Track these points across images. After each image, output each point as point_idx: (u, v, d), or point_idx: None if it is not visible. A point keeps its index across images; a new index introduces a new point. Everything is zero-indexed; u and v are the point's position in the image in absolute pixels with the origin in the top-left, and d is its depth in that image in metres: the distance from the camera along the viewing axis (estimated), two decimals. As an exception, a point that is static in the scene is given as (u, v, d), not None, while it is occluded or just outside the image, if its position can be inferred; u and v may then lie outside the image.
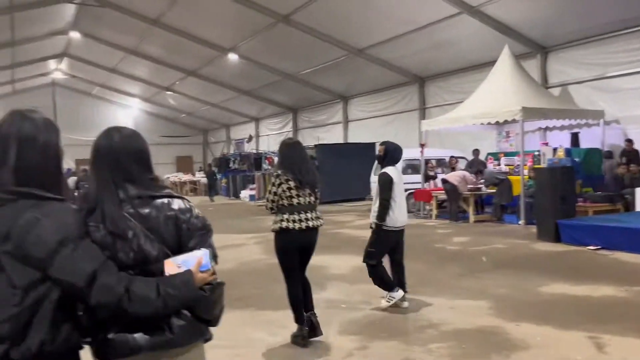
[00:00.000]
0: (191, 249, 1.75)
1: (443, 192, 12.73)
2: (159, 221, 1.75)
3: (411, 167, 15.01)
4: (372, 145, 19.37)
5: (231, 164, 26.00)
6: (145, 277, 1.67)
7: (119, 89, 29.93)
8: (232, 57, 19.45)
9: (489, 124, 13.01)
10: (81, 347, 1.70)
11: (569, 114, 11.78)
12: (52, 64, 26.56)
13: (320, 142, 20.97)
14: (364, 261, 5.45)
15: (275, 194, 4.33)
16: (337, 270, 7.20)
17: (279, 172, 4.40)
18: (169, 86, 26.46)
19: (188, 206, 1.83)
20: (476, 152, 13.83)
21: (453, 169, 13.88)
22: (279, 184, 4.31)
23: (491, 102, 11.79)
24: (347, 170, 18.49)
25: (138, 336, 1.68)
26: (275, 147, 26.69)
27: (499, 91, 11.87)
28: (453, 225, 11.73)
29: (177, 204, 1.81)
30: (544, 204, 9.04)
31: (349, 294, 5.98)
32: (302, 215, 4.32)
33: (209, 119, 33.24)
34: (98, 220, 1.69)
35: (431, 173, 14.13)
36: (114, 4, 17.07)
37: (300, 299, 4.48)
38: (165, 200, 1.80)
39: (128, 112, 33.89)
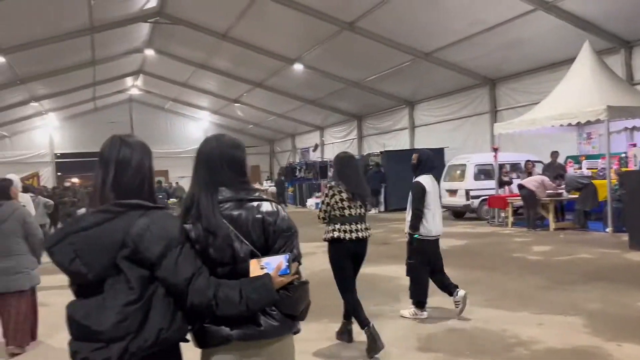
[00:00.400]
0: (277, 250, 1.88)
1: (519, 198, 12.10)
2: (248, 223, 1.89)
3: (483, 173, 14.43)
4: (441, 150, 18.87)
5: (297, 173, 26.25)
6: (234, 274, 1.83)
7: (190, 102, 31.08)
8: (297, 67, 19.63)
9: (569, 125, 12.26)
10: (186, 339, 1.86)
11: (661, 112, 10.82)
12: (129, 81, 28.03)
13: (386, 149, 20.70)
14: (407, 274, 5.39)
15: (328, 204, 4.52)
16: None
17: (333, 183, 4.61)
18: (237, 98, 27.15)
19: (275, 209, 1.95)
20: (555, 155, 13.03)
21: (529, 174, 13.13)
22: (332, 195, 4.50)
23: (571, 101, 11.07)
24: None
25: (229, 328, 1.84)
26: (340, 155, 26.62)
27: (580, 90, 11.12)
28: (531, 233, 11.08)
29: (265, 207, 1.94)
30: (636, 210, 8.30)
31: (425, 307, 5.69)
32: (353, 226, 4.46)
33: (275, 129, 33.78)
34: (195, 219, 1.89)
35: (506, 178, 13.48)
36: (185, 20, 17.74)
37: (359, 303, 4.50)
38: (255, 203, 1.94)
39: (199, 125, 35.12)
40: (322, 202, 4.57)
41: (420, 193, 5.07)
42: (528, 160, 13.37)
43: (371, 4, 13.83)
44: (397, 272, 7.43)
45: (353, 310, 4.49)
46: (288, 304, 1.89)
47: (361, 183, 4.66)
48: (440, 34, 14.91)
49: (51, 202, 11.42)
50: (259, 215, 1.90)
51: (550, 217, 11.32)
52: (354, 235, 4.44)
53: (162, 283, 1.75)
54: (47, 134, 31.58)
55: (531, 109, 14.59)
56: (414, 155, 5.48)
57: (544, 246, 9.13)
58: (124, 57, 21.78)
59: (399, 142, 22.84)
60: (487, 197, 13.85)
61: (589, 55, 11.65)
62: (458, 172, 14.93)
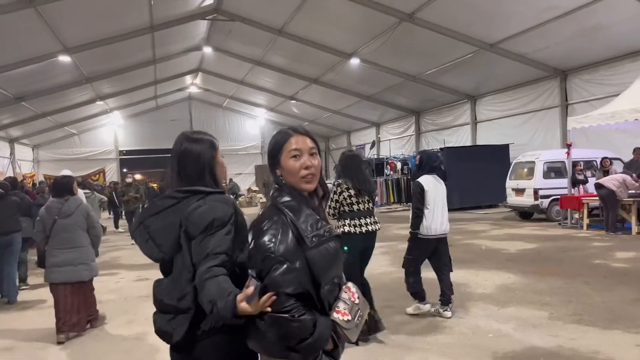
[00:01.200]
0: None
1: (595, 198, 11.11)
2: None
3: (554, 171, 13.42)
4: (506, 147, 17.89)
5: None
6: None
7: (247, 99, 31.31)
8: (354, 61, 19.17)
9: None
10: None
11: None
12: (188, 79, 28.54)
13: (447, 146, 19.85)
14: (402, 266, 5.47)
15: (337, 201, 4.70)
16: (480, 289, 6.34)
17: (340, 181, 4.77)
18: (293, 95, 27.02)
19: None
20: (638, 151, 11.88)
21: (606, 172, 12.07)
22: (340, 192, 4.70)
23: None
24: (477, 175, 17.19)
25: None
26: (396, 151, 25.99)
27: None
28: (611, 237, 10.11)
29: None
30: None
31: (498, 319, 5.11)
32: (362, 220, 4.69)
33: (331, 126, 33.48)
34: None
35: (580, 177, 12.47)
36: (242, 16, 17.69)
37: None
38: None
39: (255, 122, 35.41)
40: (332, 199, 4.67)
41: (420, 193, 5.18)
42: (605, 157, 12.28)
43: (433, -7, 13.17)
44: (465, 278, 6.88)
45: None
46: (255, 336, 1.71)
47: (366, 179, 4.83)
48: (507, 22, 13.99)
49: (105, 198, 11.65)
50: None
51: (633, 220, 10.29)
52: (363, 229, 4.64)
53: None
54: (112, 132, 32.76)
55: (608, 102, 13.48)
56: (418, 157, 5.68)
57: (628, 252, 8.23)
58: (183, 55, 22.09)
59: (460, 138, 21.91)
60: (558, 196, 12.87)
61: (679, 41, 10.50)
62: (525, 169, 13.99)
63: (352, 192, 4.68)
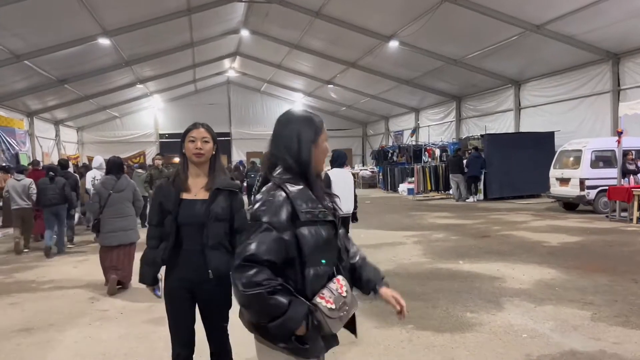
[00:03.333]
0: None
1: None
2: None
3: (603, 160, 12.66)
4: (551, 134, 17.09)
5: (389, 157, 25.32)
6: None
7: (284, 84, 31.13)
8: (393, 44, 18.61)
9: None
10: None
11: None
12: (226, 63, 28.57)
13: (488, 132, 19.12)
14: None
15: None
16: (516, 284, 5.93)
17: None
18: (330, 79, 26.64)
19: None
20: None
21: (660, 162, 11.30)
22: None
23: None
24: (520, 163, 16.51)
25: None
26: (436, 138, 25.30)
27: None
28: (665, 232, 9.43)
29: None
30: None
31: (534, 317, 4.72)
32: None
33: (368, 111, 32.95)
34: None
35: (631, 167, 11.71)
36: (279, -1, 17.45)
37: None
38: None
39: (292, 107, 35.20)
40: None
41: (327, 182, 6.17)
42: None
43: (476, -29, 12.51)
44: (501, 272, 6.50)
45: None
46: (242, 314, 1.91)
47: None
48: (556, 2, 13.18)
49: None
50: None
51: (690, 214, 9.55)
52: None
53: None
54: (153, 115, 33.30)
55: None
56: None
57: (683, 249, 7.61)
58: (220, 38, 22.04)
59: (502, 125, 21.06)
60: (606, 187, 12.12)
61: None
62: (572, 158, 13.25)
63: None
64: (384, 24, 17.65)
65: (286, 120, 2.02)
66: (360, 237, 9.89)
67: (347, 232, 5.69)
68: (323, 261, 1.80)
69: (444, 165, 19.35)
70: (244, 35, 22.31)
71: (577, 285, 5.73)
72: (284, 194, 1.79)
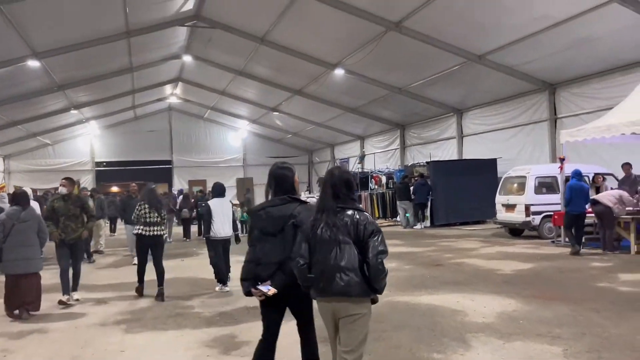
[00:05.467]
0: (368, 243, 3.01)
1: (591, 215, 10.61)
2: (348, 223, 3.08)
3: (545, 186, 12.93)
4: (494, 161, 17.46)
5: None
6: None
7: (229, 111, 30.56)
8: (339, 72, 18.62)
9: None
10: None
11: None
12: (168, 89, 27.72)
13: (433, 160, 19.34)
14: (210, 263, 8.07)
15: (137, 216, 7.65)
16: (479, 318, 5.65)
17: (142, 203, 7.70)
18: (276, 106, 26.38)
19: (364, 216, 3.11)
20: (627, 167, 11.46)
21: (598, 189, 11.65)
22: (139, 210, 7.63)
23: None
24: (465, 190, 16.69)
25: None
26: (381, 165, 25.45)
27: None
28: (610, 256, 9.58)
29: (358, 214, 3.12)
30: None
31: (505, 356, 4.38)
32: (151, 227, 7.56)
33: (314, 139, 32.89)
34: (321, 216, 3.16)
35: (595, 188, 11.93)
36: (223, 23, 17.04)
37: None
38: (351, 211, 3.12)
39: (237, 134, 34.63)
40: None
41: (207, 211, 7.75)
42: (597, 173, 11.87)
43: (421, 1, 12.68)
44: (460, 304, 6.22)
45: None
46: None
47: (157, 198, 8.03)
48: (497, 33, 13.58)
49: None
50: (355, 219, 3.08)
51: (632, 239, 9.78)
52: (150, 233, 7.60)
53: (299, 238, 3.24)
54: (88, 142, 31.71)
55: (598, 116, 13.10)
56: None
57: (632, 274, 7.68)
58: (162, 63, 21.34)
59: (446, 152, 21.44)
60: (549, 213, 12.37)
61: (675, 52, 10.14)
62: (516, 184, 13.48)
63: (147, 207, 7.58)
64: (330, 52, 17.64)
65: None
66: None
67: (227, 252, 8.00)
68: None
69: (391, 192, 19.33)
70: (186, 61, 21.72)
71: (540, 317, 5.53)
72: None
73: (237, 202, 25.33)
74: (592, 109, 14.52)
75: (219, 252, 7.84)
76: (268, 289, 3.18)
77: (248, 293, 3.31)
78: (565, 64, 14.32)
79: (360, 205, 3.30)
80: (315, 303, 3.23)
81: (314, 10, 14.34)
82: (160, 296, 7.34)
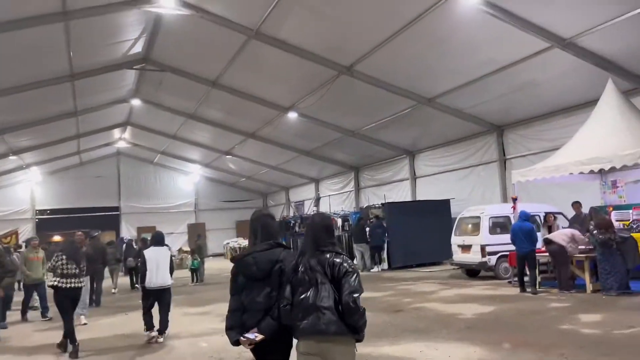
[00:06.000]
0: (342, 283, 3.15)
1: (545, 254, 10.68)
2: (325, 265, 3.23)
3: (499, 226, 13.01)
4: (447, 202, 17.60)
5: (292, 227, 24.76)
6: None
7: (180, 155, 29.90)
8: (292, 115, 18.57)
9: (590, 172, 11.07)
10: None
11: None
12: (116, 133, 26.87)
13: (387, 201, 19.33)
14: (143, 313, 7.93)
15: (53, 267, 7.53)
16: (446, 370, 5.35)
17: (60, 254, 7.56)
18: (229, 150, 26.01)
19: (341, 259, 3.24)
20: (577, 205, 11.72)
21: (550, 228, 11.81)
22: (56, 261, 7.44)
23: (600, 145, 9.88)
24: (420, 231, 16.66)
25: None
26: (336, 207, 25.31)
27: (610, 132, 9.98)
28: (567, 296, 9.57)
29: (336, 256, 3.26)
30: None
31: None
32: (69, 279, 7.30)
33: (268, 182, 32.55)
34: (304, 261, 3.33)
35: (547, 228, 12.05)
36: (173, 67, 16.76)
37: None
38: (329, 254, 3.28)
39: (189, 179, 33.85)
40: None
41: (143, 261, 7.72)
42: (549, 213, 12.06)
43: (372, 45, 12.87)
44: (425, 354, 5.90)
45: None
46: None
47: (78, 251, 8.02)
48: (446, 76, 13.92)
49: None
50: (331, 261, 3.24)
51: (587, 277, 9.84)
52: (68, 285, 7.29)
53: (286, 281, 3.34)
54: (29, 189, 30.07)
55: (544, 157, 13.49)
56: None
57: (592, 314, 7.61)
58: (109, 107, 20.65)
59: (400, 193, 21.56)
60: (504, 253, 12.41)
61: (614, 95, 10.60)
62: (470, 225, 13.53)
63: (64, 258, 7.40)
64: (283, 96, 17.61)
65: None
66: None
67: (168, 303, 7.86)
68: None
69: (347, 235, 19.09)
70: (135, 104, 21.15)
71: (507, 366, 5.28)
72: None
73: (188, 249, 24.42)
74: (537, 149, 14.98)
75: (151, 302, 7.80)
76: (255, 336, 3.25)
77: (236, 342, 3.34)
78: (511, 106, 14.79)
79: (339, 249, 3.39)
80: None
81: (266, 54, 14.32)
82: (74, 354, 6.96)
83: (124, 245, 18.17)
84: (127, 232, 31.02)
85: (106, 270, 15.60)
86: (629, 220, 10.89)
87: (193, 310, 10.79)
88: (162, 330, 7.80)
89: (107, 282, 16.04)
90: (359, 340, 3.14)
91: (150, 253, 7.73)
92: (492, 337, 6.55)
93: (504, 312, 8.29)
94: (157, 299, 7.74)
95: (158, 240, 8.02)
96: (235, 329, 3.33)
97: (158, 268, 7.59)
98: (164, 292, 7.72)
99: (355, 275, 3.14)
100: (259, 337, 3.23)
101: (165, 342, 7.72)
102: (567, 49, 11.02)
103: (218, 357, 6.51)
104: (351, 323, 3.05)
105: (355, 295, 3.04)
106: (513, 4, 10.11)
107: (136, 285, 15.02)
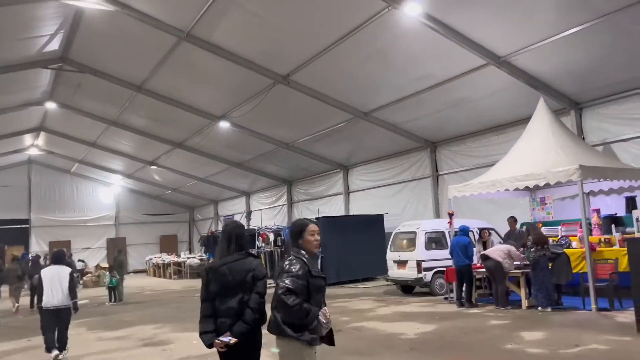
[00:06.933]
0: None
1: (482, 270, 10.64)
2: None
3: (435, 242, 12.94)
4: (381, 217, 17.46)
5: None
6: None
7: (100, 164, 27.98)
8: (224, 125, 17.77)
9: (526, 188, 11.25)
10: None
11: (631, 174, 9.98)
12: (27, 139, 24.66)
13: (321, 216, 18.93)
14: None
15: None
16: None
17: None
18: (154, 160, 24.61)
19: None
20: (512, 220, 11.85)
21: (484, 243, 11.84)
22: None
23: (534, 162, 10.01)
24: (354, 246, 16.38)
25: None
26: (268, 222, 24.61)
27: (543, 149, 10.15)
28: (504, 312, 9.49)
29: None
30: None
31: None
32: None
33: (196, 195, 31.22)
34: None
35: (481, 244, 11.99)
36: (94, 69, 15.49)
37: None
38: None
39: (109, 190, 31.79)
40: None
41: (39, 279, 7.56)
42: (484, 229, 12.11)
43: (310, 54, 12.48)
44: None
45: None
46: (272, 323, 3.45)
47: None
48: (383, 90, 13.78)
49: None
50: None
51: (522, 293, 9.85)
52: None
53: (257, 289, 3.65)
54: None
55: (476, 173, 13.68)
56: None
57: (532, 332, 7.48)
58: (20, 109, 18.85)
59: (333, 208, 21.27)
60: (440, 268, 12.32)
61: (545, 113, 10.87)
62: (405, 241, 13.37)
63: None
64: (214, 103, 16.81)
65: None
66: (193, 344, 8.12)
67: (67, 322, 7.64)
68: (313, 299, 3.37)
69: (279, 250, 18.44)
70: (50, 108, 19.45)
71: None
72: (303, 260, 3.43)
73: (107, 266, 22.64)
74: (470, 166, 15.21)
75: (49, 322, 7.60)
76: (229, 339, 3.53)
77: (210, 345, 3.60)
78: (445, 123, 14.92)
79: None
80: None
81: (197, 58, 13.55)
82: None
83: (30, 262, 16.43)
84: (38, 246, 28.52)
85: (4, 290, 14.17)
86: (557, 236, 11.11)
87: (109, 335, 9.69)
88: (61, 347, 7.67)
89: (7, 302, 14.41)
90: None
91: (47, 272, 7.58)
92: (439, 360, 6.19)
93: (446, 331, 8.01)
94: (55, 319, 7.56)
95: (57, 258, 7.92)
96: (209, 333, 3.61)
97: (56, 287, 7.42)
98: (61, 311, 7.54)
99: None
100: (233, 340, 3.51)
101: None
102: (502, 66, 11.18)
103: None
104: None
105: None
106: (454, 18, 10.11)
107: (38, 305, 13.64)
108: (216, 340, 3.53)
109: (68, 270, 7.71)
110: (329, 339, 3.41)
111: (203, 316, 3.66)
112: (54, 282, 7.42)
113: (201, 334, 3.63)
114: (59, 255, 8.07)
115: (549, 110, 10.95)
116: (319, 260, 16.67)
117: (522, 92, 12.00)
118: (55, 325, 7.57)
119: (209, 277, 3.70)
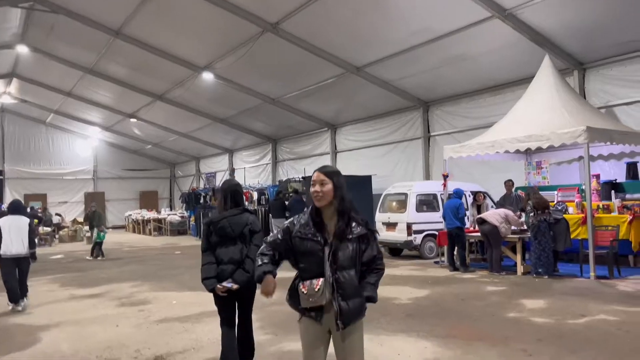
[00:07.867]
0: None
1: (477, 234, 10.27)
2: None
3: (426, 204, 12.51)
4: (369, 178, 16.95)
5: (201, 200, 23.12)
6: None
7: (77, 116, 26.78)
8: (207, 76, 16.84)
9: (527, 150, 10.82)
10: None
11: (637, 139, 9.54)
12: (-1, 86, 23.38)
13: (307, 175, 18.35)
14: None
15: None
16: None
17: None
18: (133, 113, 23.55)
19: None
20: (509, 184, 11.43)
21: (479, 207, 11.44)
22: None
23: (537, 123, 9.50)
24: None
25: None
26: (252, 180, 23.99)
27: (547, 109, 9.62)
28: (499, 278, 9.16)
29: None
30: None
31: None
32: None
33: (177, 151, 30.32)
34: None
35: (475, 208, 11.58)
36: (68, 9, 14.33)
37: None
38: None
39: (87, 143, 30.68)
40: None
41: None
42: (478, 192, 11.68)
43: (301, 1, 11.60)
44: (370, 352, 4.95)
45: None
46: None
47: None
48: (377, 44, 13.01)
49: None
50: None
51: (518, 259, 9.51)
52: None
53: (255, 241, 4.05)
54: None
55: (469, 135, 13.19)
56: None
57: (534, 300, 7.11)
58: (-13, 52, 17.65)
59: (320, 168, 20.64)
60: (431, 232, 11.94)
61: (551, 72, 10.29)
62: (395, 202, 12.91)
63: None
64: (198, 53, 15.84)
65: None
66: (172, 305, 7.64)
67: (26, 271, 7.87)
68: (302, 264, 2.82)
69: (264, 209, 17.91)
70: (21, 52, 18.23)
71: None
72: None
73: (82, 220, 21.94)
74: (463, 127, 14.69)
75: (10, 270, 7.68)
76: (231, 285, 3.90)
77: (212, 290, 3.97)
78: (439, 81, 14.27)
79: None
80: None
81: (180, 1, 12.56)
82: None
83: None
84: (12, 198, 27.49)
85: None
86: (553, 201, 10.75)
87: (83, 292, 9.13)
88: (22, 295, 7.77)
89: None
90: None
91: (5, 221, 7.68)
92: (439, 329, 5.78)
93: (441, 297, 7.63)
94: (15, 268, 7.69)
95: (15, 208, 7.98)
96: (211, 278, 3.96)
97: (15, 236, 7.57)
98: (21, 260, 7.73)
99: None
100: (235, 286, 3.91)
101: (37, 333, 6.17)
102: (507, 20, 10.49)
103: (110, 356, 5.15)
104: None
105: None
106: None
107: None
108: (218, 286, 3.91)
109: (27, 220, 7.80)
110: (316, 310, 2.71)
111: (205, 264, 4.02)
112: (12, 231, 7.54)
113: (204, 279, 3.98)
114: (16, 205, 8.09)
115: (554, 69, 10.39)
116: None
117: (525, 50, 11.36)
118: (16, 274, 7.65)
119: (210, 230, 4.06)
